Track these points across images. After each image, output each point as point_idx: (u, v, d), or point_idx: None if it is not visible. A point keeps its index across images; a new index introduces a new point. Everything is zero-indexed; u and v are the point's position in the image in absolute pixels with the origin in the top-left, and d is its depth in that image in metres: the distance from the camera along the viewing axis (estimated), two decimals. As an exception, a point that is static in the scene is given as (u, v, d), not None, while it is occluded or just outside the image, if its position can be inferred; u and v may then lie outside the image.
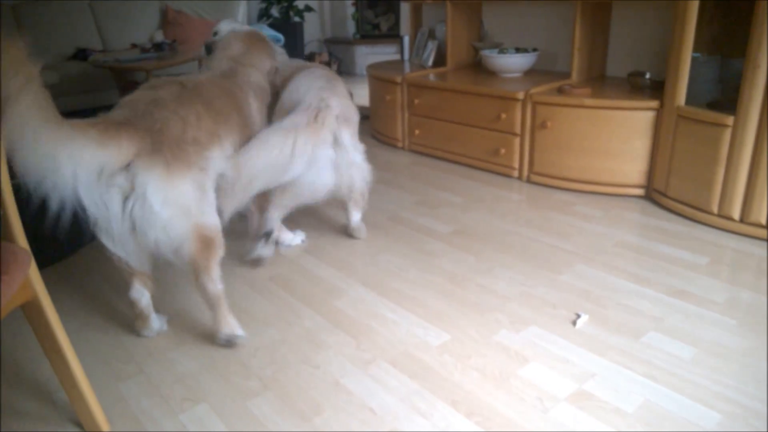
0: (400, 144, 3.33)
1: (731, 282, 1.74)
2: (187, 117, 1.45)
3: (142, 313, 1.57)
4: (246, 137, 1.70)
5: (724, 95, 2.12)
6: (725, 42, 2.22)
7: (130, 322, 1.66)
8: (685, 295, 1.68)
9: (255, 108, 1.82)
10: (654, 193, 2.35)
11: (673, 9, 2.15)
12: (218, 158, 1.54)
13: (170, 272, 1.96)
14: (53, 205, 1.20)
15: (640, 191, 2.40)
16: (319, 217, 2.37)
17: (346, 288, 1.81)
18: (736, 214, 2.02)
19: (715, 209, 2.07)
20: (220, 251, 1.49)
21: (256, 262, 1.97)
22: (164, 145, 1.35)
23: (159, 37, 4.85)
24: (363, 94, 4.80)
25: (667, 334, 1.50)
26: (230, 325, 1.54)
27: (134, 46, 4.56)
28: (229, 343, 1.53)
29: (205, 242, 1.44)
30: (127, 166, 1.31)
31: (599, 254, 1.95)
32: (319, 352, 1.50)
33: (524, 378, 1.36)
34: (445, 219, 2.31)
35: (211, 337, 1.58)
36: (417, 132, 3.17)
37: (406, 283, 1.83)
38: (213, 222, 1.47)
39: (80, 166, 1.19)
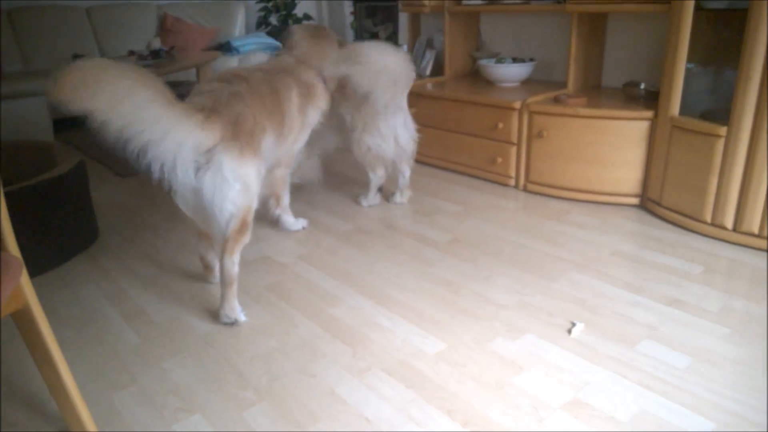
0: (396, 152, 3.33)
1: (725, 291, 1.75)
2: (254, 112, 1.71)
3: (208, 265, 1.91)
4: (281, 132, 1.91)
5: (717, 106, 2.14)
6: (719, 53, 2.24)
7: (123, 331, 1.65)
8: (679, 303, 1.69)
9: (296, 105, 1.98)
10: (648, 202, 2.36)
11: (667, 20, 2.17)
12: (264, 149, 1.79)
13: (165, 281, 1.96)
14: (155, 170, 1.47)
15: (634, 200, 2.41)
16: (315, 225, 2.37)
17: (342, 296, 1.81)
18: (729, 223, 2.02)
19: (708, 218, 2.08)
20: (247, 238, 1.69)
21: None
22: (240, 135, 1.62)
23: (156, 44, 4.85)
24: (360, 102, 4.80)
25: (661, 343, 1.50)
26: (234, 309, 1.69)
27: (131, 53, 4.56)
28: (229, 324, 1.69)
29: (243, 226, 1.67)
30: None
31: (594, 263, 1.96)
32: (314, 361, 1.49)
33: (520, 386, 1.36)
34: (442, 227, 2.31)
35: (206, 346, 1.57)
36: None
37: (402, 291, 1.83)
38: (253, 209, 1.71)
39: (185, 142, 1.47)
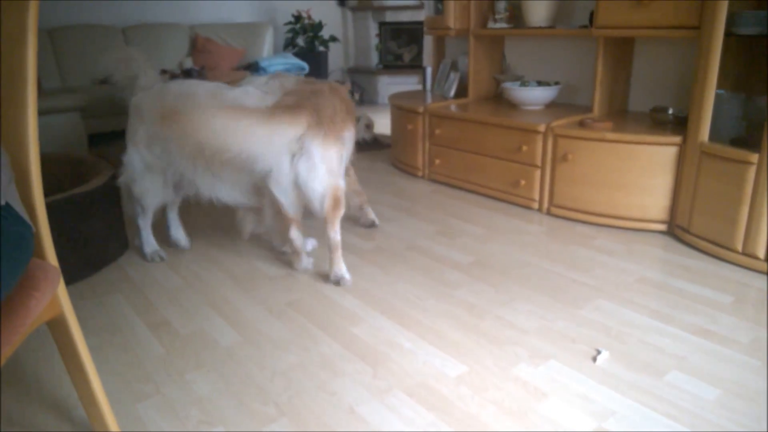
0: (420, 173, 3.36)
1: (756, 322, 1.71)
2: (334, 103, 1.96)
3: (297, 250, 2.11)
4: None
5: (748, 132, 2.11)
6: (749, 79, 2.22)
7: (149, 342, 1.68)
8: (708, 334, 1.65)
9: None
10: (676, 229, 2.32)
11: (696, 45, 2.16)
12: (347, 140, 2.03)
13: (189, 294, 1.98)
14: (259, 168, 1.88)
15: (662, 227, 2.38)
16: (339, 244, 2.39)
17: (363, 315, 1.81)
18: (761, 252, 1.98)
19: (739, 247, 2.04)
20: (342, 210, 2.00)
21: None
22: (323, 121, 1.89)
23: (188, 63, 4.99)
24: (385, 123, 4.86)
25: (690, 374, 1.47)
26: (341, 269, 2.04)
27: (164, 71, 4.70)
28: (338, 282, 2.03)
29: (336, 201, 1.96)
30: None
31: (620, 289, 1.93)
32: (335, 379, 1.49)
33: (543, 414, 1.34)
34: (465, 249, 2.31)
35: (229, 360, 1.58)
36: (437, 161, 3.19)
37: (424, 312, 1.82)
38: (342, 186, 1.99)
39: (282, 139, 1.83)
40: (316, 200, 1.92)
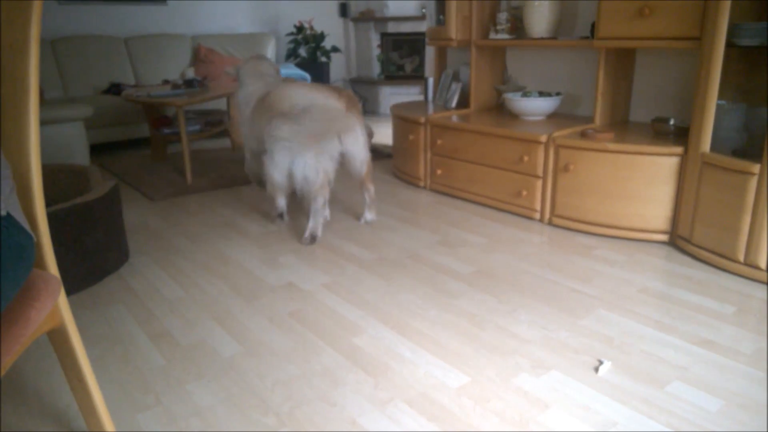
0: (421, 183, 3.36)
1: (759, 332, 1.70)
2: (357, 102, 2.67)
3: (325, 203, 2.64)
4: None
5: (749, 143, 2.12)
6: (750, 90, 2.23)
7: (150, 353, 1.67)
8: (711, 344, 1.64)
9: None
10: (678, 240, 2.32)
11: (697, 57, 2.17)
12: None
13: (190, 304, 1.98)
14: None
15: (663, 237, 2.37)
16: (339, 254, 2.38)
17: (365, 326, 1.81)
18: (762, 263, 1.98)
19: (741, 258, 2.04)
20: (371, 174, 2.68)
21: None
22: (356, 105, 2.55)
23: (190, 74, 5.02)
24: (386, 134, 4.87)
25: (692, 385, 1.46)
26: (374, 214, 2.77)
27: (166, 82, 4.72)
28: (367, 223, 2.75)
29: (369, 167, 2.63)
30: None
31: (622, 300, 1.92)
32: (336, 390, 1.49)
33: (545, 424, 1.33)
34: (466, 259, 2.31)
35: (229, 370, 1.58)
36: (439, 172, 3.19)
37: (426, 322, 1.82)
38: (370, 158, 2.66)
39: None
40: (360, 162, 2.56)
